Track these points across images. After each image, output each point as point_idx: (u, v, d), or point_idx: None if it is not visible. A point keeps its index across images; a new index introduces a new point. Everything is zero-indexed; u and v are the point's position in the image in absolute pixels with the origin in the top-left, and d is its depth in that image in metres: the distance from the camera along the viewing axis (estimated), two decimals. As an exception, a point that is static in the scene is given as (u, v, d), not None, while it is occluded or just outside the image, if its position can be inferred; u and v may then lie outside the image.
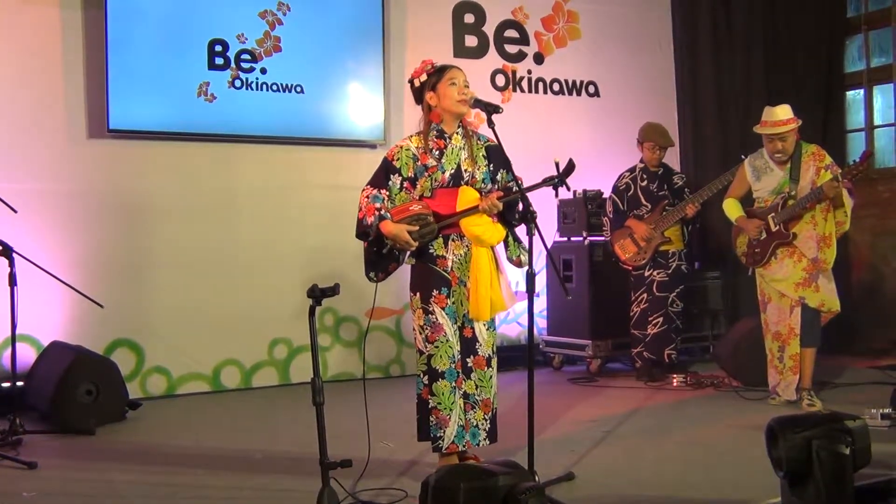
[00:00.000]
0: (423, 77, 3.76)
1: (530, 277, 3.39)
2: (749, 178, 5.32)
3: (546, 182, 3.56)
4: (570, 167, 3.53)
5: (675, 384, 5.96)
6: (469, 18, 7.05)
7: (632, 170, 6.32)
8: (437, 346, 3.64)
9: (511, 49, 7.22)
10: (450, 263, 3.71)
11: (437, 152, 3.73)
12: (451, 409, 3.63)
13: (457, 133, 3.78)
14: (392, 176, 3.72)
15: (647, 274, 6.17)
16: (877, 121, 7.78)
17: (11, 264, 4.53)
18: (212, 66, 5.98)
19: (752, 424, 4.40)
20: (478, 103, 3.69)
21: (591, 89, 7.52)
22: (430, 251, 3.71)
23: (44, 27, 5.65)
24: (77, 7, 5.73)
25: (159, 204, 5.95)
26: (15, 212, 4.86)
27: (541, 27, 7.35)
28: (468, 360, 3.72)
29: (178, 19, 5.89)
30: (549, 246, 3.64)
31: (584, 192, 6.73)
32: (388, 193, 3.71)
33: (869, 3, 7.80)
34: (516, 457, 3.38)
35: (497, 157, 3.79)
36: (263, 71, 6.13)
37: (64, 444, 4.58)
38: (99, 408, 4.91)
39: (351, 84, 6.45)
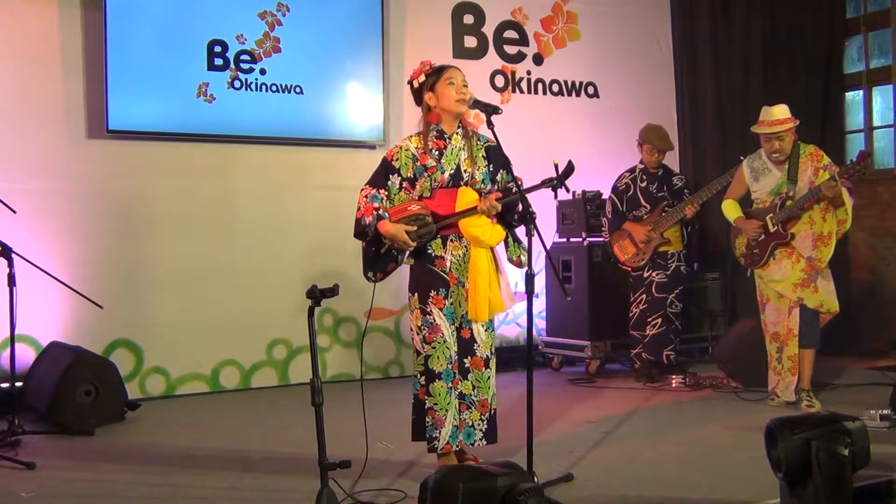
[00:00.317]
0: (422, 78, 3.76)
1: (529, 278, 3.39)
2: (747, 179, 5.32)
3: (545, 183, 3.56)
4: (569, 169, 3.54)
5: (673, 385, 5.96)
6: (468, 19, 7.06)
7: (632, 170, 6.33)
8: (434, 347, 3.65)
9: (510, 50, 7.22)
10: (448, 264, 3.71)
11: (436, 153, 3.73)
12: (446, 410, 3.63)
13: (456, 133, 3.78)
14: (391, 176, 3.73)
15: (646, 275, 6.17)
16: (876, 122, 7.79)
17: (10, 265, 4.52)
18: (211, 66, 5.98)
19: (751, 425, 4.40)
20: (477, 104, 3.69)
21: (591, 90, 7.52)
22: (429, 252, 3.71)
23: (43, 27, 5.65)
24: (76, 7, 5.73)
25: (158, 204, 5.95)
26: (14, 212, 4.86)
27: (540, 28, 7.35)
28: (465, 360, 3.72)
29: (178, 19, 5.89)
30: (548, 247, 3.64)
31: (584, 192, 6.73)
32: (386, 193, 3.71)
33: (868, 4, 7.81)
34: (515, 458, 3.39)
35: (497, 157, 3.80)
36: (263, 71, 6.13)
37: (63, 444, 4.57)
38: (98, 408, 4.91)
39: (350, 84, 6.45)
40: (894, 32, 7.43)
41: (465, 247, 3.72)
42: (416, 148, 3.75)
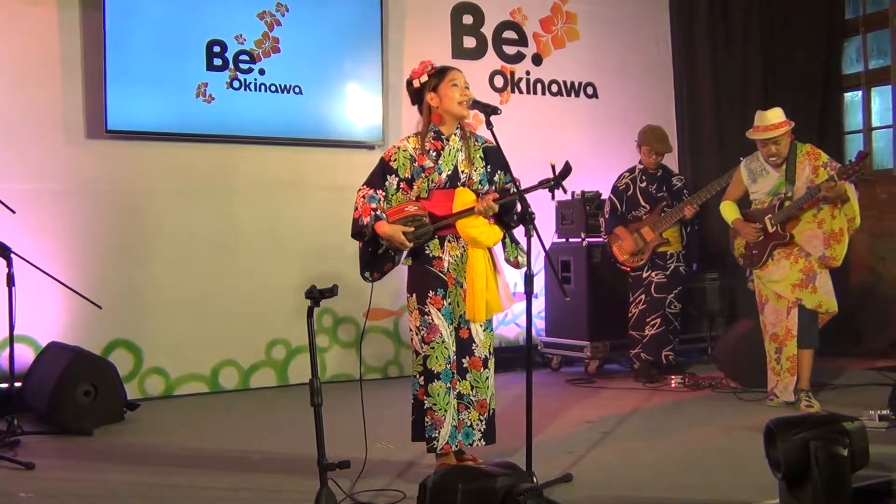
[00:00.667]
0: (424, 78, 3.75)
1: (528, 278, 3.39)
2: (745, 180, 5.32)
3: (542, 184, 3.56)
4: (567, 170, 3.53)
5: (673, 385, 5.96)
6: (467, 20, 7.06)
7: (631, 170, 6.33)
8: (432, 347, 3.65)
9: (509, 50, 7.23)
10: (446, 264, 3.71)
11: (434, 154, 3.73)
12: (445, 411, 3.63)
13: (455, 134, 3.78)
14: (389, 177, 3.73)
15: (645, 275, 6.18)
16: (875, 122, 7.80)
17: (9, 265, 4.52)
18: (210, 66, 5.98)
19: (750, 426, 4.41)
20: (476, 104, 3.69)
21: (590, 90, 7.52)
22: (427, 252, 3.71)
23: (42, 27, 5.65)
24: (75, 7, 5.73)
25: (157, 205, 5.95)
26: (13, 212, 4.86)
27: (539, 28, 7.35)
28: (464, 360, 3.72)
29: (177, 20, 5.89)
30: (547, 247, 3.65)
31: (583, 193, 6.74)
32: (384, 194, 3.71)
33: (867, 4, 7.81)
34: (514, 458, 3.39)
35: (495, 158, 3.80)
36: (262, 72, 6.13)
37: (62, 444, 4.57)
38: (97, 408, 4.90)
39: (349, 85, 6.45)
40: (893, 33, 7.43)
41: (463, 247, 3.72)
42: (413, 149, 3.75)
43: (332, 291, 3.10)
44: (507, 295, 3.80)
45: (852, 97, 7.96)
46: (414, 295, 3.72)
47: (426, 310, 3.68)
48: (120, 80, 5.68)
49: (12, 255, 4.56)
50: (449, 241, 3.72)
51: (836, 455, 2.92)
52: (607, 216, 6.32)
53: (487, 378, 3.76)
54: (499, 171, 3.81)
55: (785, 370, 5.13)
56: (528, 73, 7.29)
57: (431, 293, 3.68)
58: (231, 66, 6.04)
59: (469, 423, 3.72)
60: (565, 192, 3.61)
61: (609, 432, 4.63)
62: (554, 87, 7.39)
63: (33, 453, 4.25)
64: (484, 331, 3.76)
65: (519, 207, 3.60)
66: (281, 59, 6.19)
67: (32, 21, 5.62)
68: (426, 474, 2.73)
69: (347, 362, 6.44)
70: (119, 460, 4.20)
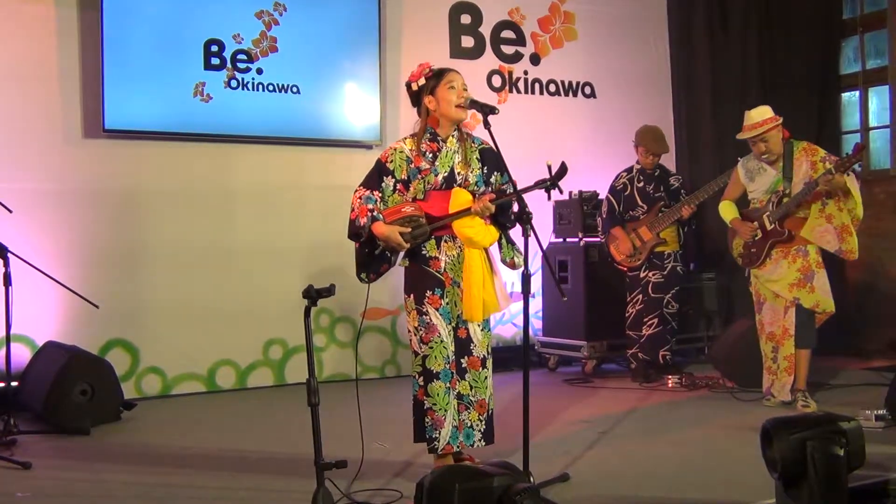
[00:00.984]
0: (422, 81, 3.75)
1: (526, 278, 3.39)
2: (742, 179, 5.33)
3: (538, 185, 3.56)
4: (563, 170, 3.53)
5: (670, 385, 5.96)
6: (465, 19, 7.06)
7: (629, 170, 6.33)
8: (431, 347, 3.65)
9: (507, 50, 7.23)
10: (443, 265, 3.71)
11: (430, 155, 3.73)
12: (445, 410, 3.63)
13: (451, 136, 3.78)
14: (385, 178, 3.72)
15: (642, 275, 6.18)
16: (872, 122, 7.80)
17: (6, 264, 4.52)
18: (208, 66, 5.98)
19: (747, 425, 4.41)
20: (474, 104, 3.69)
21: (588, 90, 7.53)
22: (423, 253, 3.71)
23: (39, 26, 5.65)
24: (73, 6, 5.72)
25: (155, 204, 5.95)
26: (10, 212, 4.86)
27: (537, 28, 7.35)
28: (462, 360, 3.72)
29: (174, 19, 5.89)
30: (544, 247, 3.65)
31: (580, 193, 6.74)
32: (380, 195, 3.71)
33: (865, 4, 7.81)
34: (511, 458, 3.39)
35: (491, 159, 3.80)
36: (259, 71, 6.12)
37: (58, 444, 4.57)
38: (94, 408, 4.90)
39: (347, 84, 6.45)
40: (890, 33, 7.44)
41: (460, 248, 3.72)
42: (410, 150, 3.75)
43: (329, 291, 3.10)
44: (503, 295, 3.81)
45: (850, 97, 7.97)
46: (411, 295, 3.72)
47: (424, 310, 3.68)
48: (117, 79, 5.68)
49: (9, 255, 4.55)
50: (445, 242, 3.72)
51: (833, 455, 2.92)
52: (605, 216, 6.32)
53: (486, 378, 3.76)
54: (495, 173, 3.81)
55: (782, 370, 5.14)
56: (526, 72, 7.29)
57: (429, 293, 3.68)
58: (229, 65, 6.04)
59: (469, 424, 3.72)
60: (561, 192, 3.63)
61: (606, 432, 4.63)
62: (552, 87, 7.39)
63: (30, 453, 4.24)
64: (482, 330, 3.77)
65: (516, 207, 3.59)
66: (279, 59, 6.18)
67: (30, 20, 5.62)
68: (423, 474, 2.73)
69: (344, 362, 6.43)
70: (116, 460, 4.20)
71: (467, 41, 7.06)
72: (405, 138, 3.81)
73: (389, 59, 6.64)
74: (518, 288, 3.48)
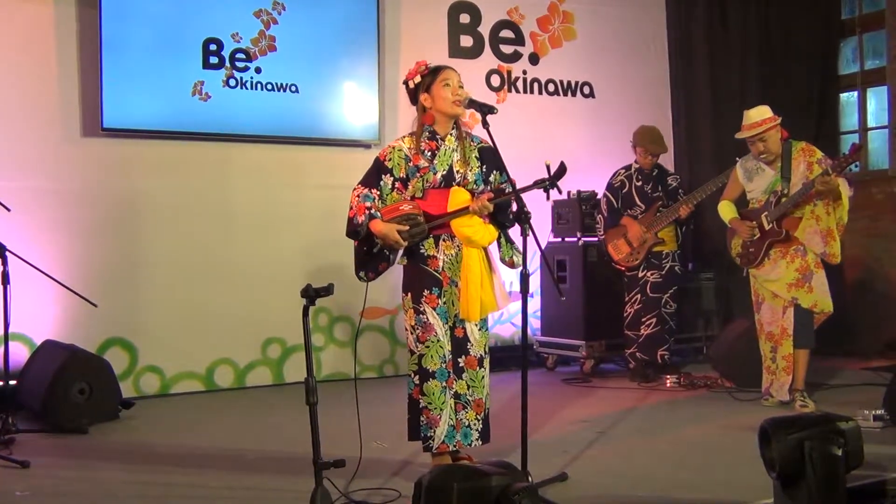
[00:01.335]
0: (418, 78, 3.76)
1: (524, 278, 3.39)
2: (741, 179, 5.34)
3: (537, 184, 3.56)
4: (561, 170, 3.53)
5: (668, 385, 5.96)
6: (464, 18, 7.06)
7: (627, 168, 6.33)
8: (427, 346, 3.65)
9: (506, 49, 7.23)
10: (441, 263, 3.71)
11: (429, 153, 3.73)
12: (441, 409, 3.63)
13: (450, 134, 3.78)
14: (383, 176, 3.72)
15: (640, 275, 6.18)
16: (870, 123, 7.81)
17: (4, 263, 4.51)
18: (206, 65, 5.98)
19: (745, 425, 4.41)
20: (472, 104, 3.68)
21: (586, 90, 7.53)
22: (421, 251, 3.71)
23: (38, 25, 5.64)
24: (71, 5, 5.72)
25: (153, 203, 5.94)
26: (8, 210, 4.85)
27: (536, 28, 7.35)
28: (459, 359, 3.72)
29: (173, 18, 5.89)
30: (543, 247, 3.65)
31: (579, 192, 6.74)
32: (379, 193, 3.71)
33: (863, 5, 7.82)
34: (509, 457, 3.39)
35: (490, 158, 3.80)
36: (258, 70, 6.12)
37: (57, 443, 4.57)
38: (92, 407, 4.90)
39: (345, 84, 6.45)
40: (889, 34, 7.44)
41: (458, 246, 3.72)
42: (408, 148, 3.75)
43: (327, 290, 3.09)
44: (502, 294, 3.80)
45: (848, 98, 7.97)
46: (409, 294, 3.72)
47: (421, 309, 3.67)
48: (116, 77, 5.68)
49: (7, 253, 4.54)
50: (444, 241, 3.72)
51: (831, 455, 2.92)
52: (606, 215, 6.31)
53: (483, 377, 3.75)
54: (494, 171, 3.81)
55: (780, 370, 5.14)
56: (524, 72, 7.29)
57: (426, 292, 3.68)
58: (227, 64, 6.04)
59: (467, 424, 3.71)
60: (560, 192, 3.62)
61: (604, 432, 4.63)
62: (551, 87, 7.39)
63: (28, 451, 4.24)
64: (479, 330, 3.76)
65: (514, 207, 3.60)
66: (277, 58, 6.18)
67: (28, 18, 5.61)
68: (421, 473, 2.73)
69: (343, 361, 6.43)
70: (114, 459, 4.20)
71: (466, 41, 7.06)
72: (404, 137, 3.81)
73: (388, 58, 6.64)
74: (516, 287, 3.48)
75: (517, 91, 7.26)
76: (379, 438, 4.32)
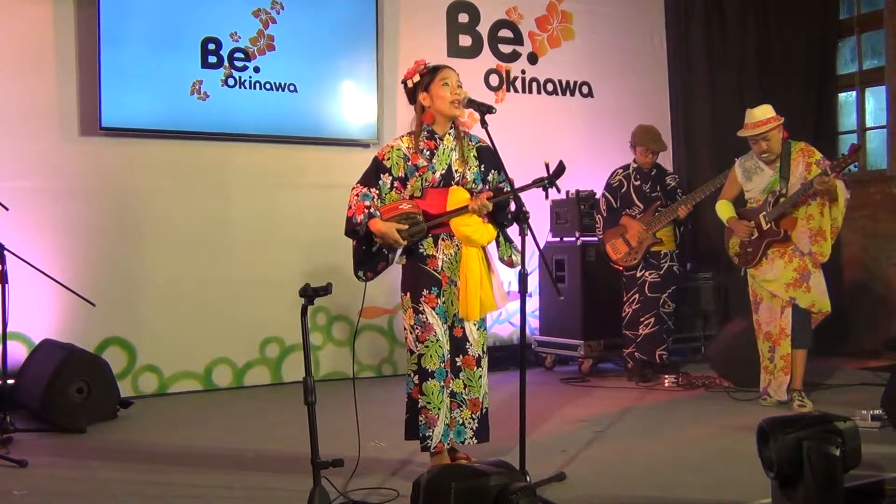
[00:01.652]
0: (416, 78, 3.76)
1: (522, 277, 3.39)
2: (740, 179, 5.34)
3: (536, 183, 3.56)
4: (560, 169, 3.54)
5: (666, 385, 5.97)
6: (463, 18, 7.06)
7: (625, 167, 6.33)
8: (427, 346, 3.65)
9: (505, 49, 7.23)
10: (440, 263, 3.71)
11: (427, 153, 3.73)
12: (439, 409, 3.63)
13: (448, 134, 3.78)
14: (382, 175, 3.72)
15: (638, 274, 6.18)
16: (868, 123, 7.81)
17: (3, 262, 4.51)
18: (205, 64, 5.97)
19: (743, 425, 4.41)
20: (471, 103, 3.68)
21: (585, 90, 7.53)
22: (420, 251, 3.71)
23: (36, 23, 5.64)
24: (70, 4, 5.71)
25: (151, 202, 5.94)
26: (6, 209, 4.85)
27: (535, 27, 7.35)
28: (457, 359, 3.72)
29: (172, 17, 5.88)
30: (541, 246, 3.65)
31: (577, 192, 6.74)
32: (377, 192, 3.71)
33: (861, 5, 7.83)
34: (507, 457, 3.39)
35: (488, 157, 3.80)
36: (257, 69, 6.12)
37: (55, 442, 4.57)
38: (90, 406, 4.89)
39: (344, 83, 6.44)
40: (887, 34, 7.45)
41: (457, 246, 3.72)
42: (407, 148, 3.75)
43: (326, 290, 3.09)
44: (500, 293, 3.80)
45: (846, 97, 7.98)
46: (408, 293, 3.72)
47: (420, 308, 3.67)
48: (114, 76, 5.67)
49: (5, 253, 4.54)
50: (443, 240, 3.72)
51: (829, 455, 2.93)
52: (605, 214, 6.31)
53: (481, 377, 3.75)
54: (493, 171, 3.81)
55: (779, 369, 5.15)
56: (523, 71, 7.29)
57: (425, 292, 3.68)
58: (226, 63, 6.03)
59: (461, 422, 3.72)
60: (559, 191, 3.63)
61: (603, 431, 4.63)
62: (549, 86, 7.39)
63: (26, 451, 4.24)
64: (478, 329, 3.76)
65: (513, 206, 3.60)
66: (276, 57, 6.18)
67: (27, 17, 5.61)
68: (420, 473, 2.73)
69: (341, 360, 6.43)
70: (112, 458, 4.20)
71: (465, 40, 7.06)
72: (402, 136, 3.81)
73: (387, 57, 6.64)
74: (515, 287, 3.49)
75: (516, 91, 7.26)
76: (377, 438, 4.32)
